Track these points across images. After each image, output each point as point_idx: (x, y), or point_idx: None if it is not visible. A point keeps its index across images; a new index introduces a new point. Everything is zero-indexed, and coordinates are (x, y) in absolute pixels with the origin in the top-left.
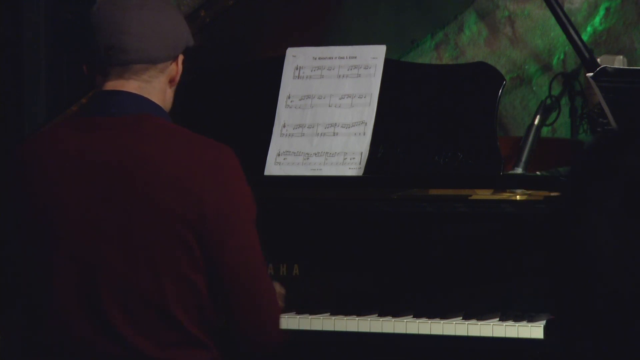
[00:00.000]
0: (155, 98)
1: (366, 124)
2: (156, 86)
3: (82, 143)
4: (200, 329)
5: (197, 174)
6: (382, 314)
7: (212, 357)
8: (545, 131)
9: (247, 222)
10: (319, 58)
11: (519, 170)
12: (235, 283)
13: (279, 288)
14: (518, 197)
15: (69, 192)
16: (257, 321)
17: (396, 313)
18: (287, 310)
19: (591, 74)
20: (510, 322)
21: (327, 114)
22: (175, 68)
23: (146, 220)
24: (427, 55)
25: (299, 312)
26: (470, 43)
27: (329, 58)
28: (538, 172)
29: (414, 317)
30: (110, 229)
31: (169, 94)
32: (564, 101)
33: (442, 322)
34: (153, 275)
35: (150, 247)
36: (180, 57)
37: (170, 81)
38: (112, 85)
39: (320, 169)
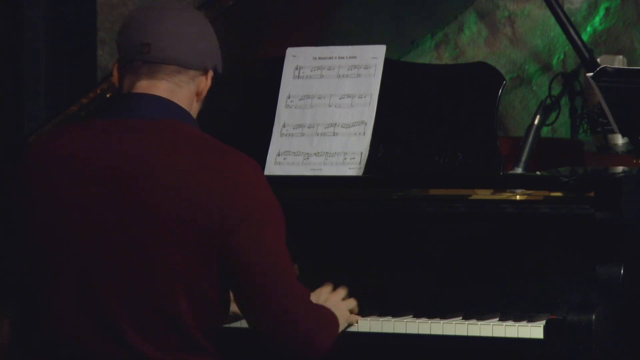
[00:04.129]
0: (184, 105)
1: (366, 123)
2: (186, 94)
3: (92, 146)
4: (206, 335)
5: (217, 184)
6: (383, 314)
7: None
8: (545, 131)
9: (271, 233)
10: (319, 58)
11: (519, 170)
12: (263, 294)
13: (350, 303)
14: (518, 197)
15: (73, 195)
16: (292, 330)
17: (396, 313)
18: None
19: (591, 74)
20: (510, 322)
21: (327, 113)
22: (204, 82)
23: (155, 226)
24: (427, 55)
25: None
26: (470, 43)
27: (329, 58)
28: (538, 172)
29: (414, 317)
30: (115, 234)
31: (195, 107)
32: (564, 101)
33: (442, 322)
34: (166, 282)
35: (160, 254)
36: (210, 73)
37: (198, 94)
38: (143, 86)
39: (320, 169)
